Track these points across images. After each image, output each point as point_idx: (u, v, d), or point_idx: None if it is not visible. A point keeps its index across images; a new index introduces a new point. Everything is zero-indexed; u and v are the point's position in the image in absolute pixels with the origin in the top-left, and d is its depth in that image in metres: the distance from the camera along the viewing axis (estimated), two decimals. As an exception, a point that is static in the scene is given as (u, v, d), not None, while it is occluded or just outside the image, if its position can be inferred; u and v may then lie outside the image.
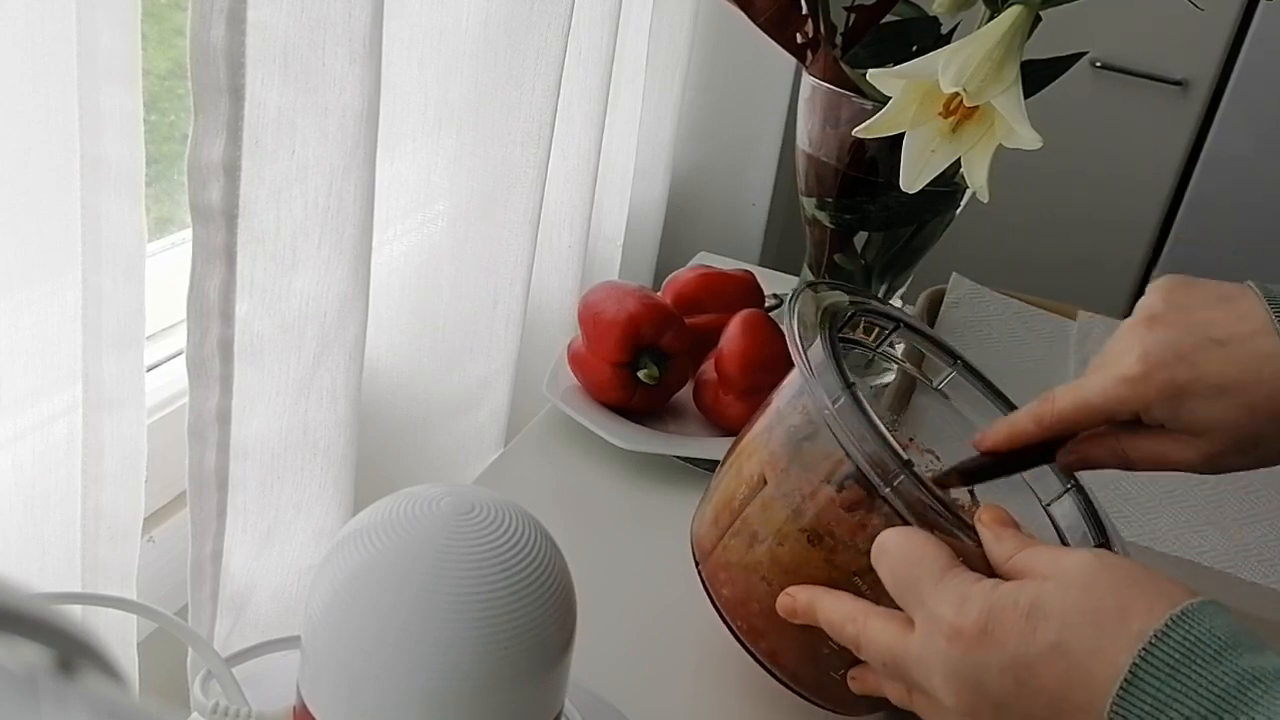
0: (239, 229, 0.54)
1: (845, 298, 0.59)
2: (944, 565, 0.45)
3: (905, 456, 0.49)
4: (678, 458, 0.77)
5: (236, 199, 0.53)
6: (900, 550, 0.47)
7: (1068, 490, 0.57)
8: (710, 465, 0.76)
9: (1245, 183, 1.69)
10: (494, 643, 0.38)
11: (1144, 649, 0.39)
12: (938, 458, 0.61)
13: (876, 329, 0.63)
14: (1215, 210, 1.72)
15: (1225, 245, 1.71)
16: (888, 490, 0.49)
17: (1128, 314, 0.54)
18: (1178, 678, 0.38)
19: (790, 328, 0.54)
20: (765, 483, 0.54)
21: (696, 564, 0.58)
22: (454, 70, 0.73)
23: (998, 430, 0.56)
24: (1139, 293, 0.55)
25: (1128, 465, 0.54)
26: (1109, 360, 0.53)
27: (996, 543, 0.46)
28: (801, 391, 0.54)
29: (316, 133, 0.55)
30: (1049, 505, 0.58)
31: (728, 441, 0.76)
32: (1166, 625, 0.39)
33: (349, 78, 0.56)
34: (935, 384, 0.63)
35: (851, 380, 0.51)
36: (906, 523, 0.48)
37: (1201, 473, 0.52)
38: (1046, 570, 0.43)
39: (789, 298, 0.56)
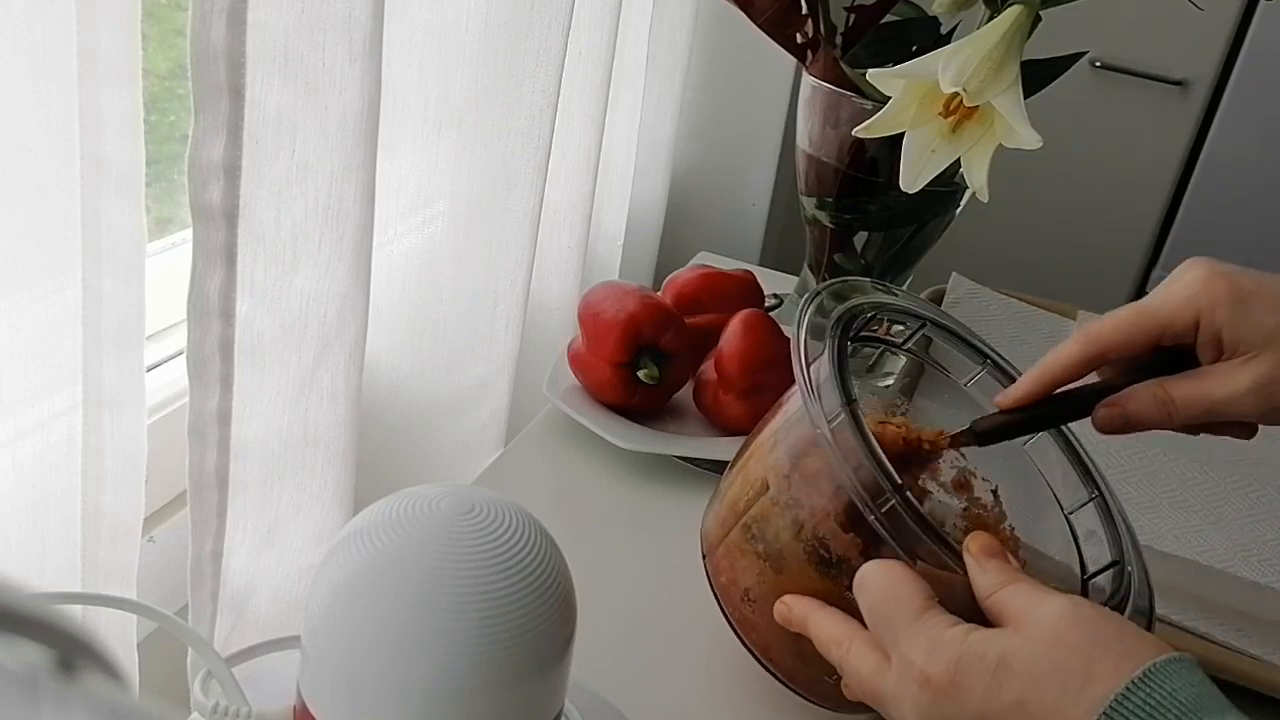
0: (239, 229, 0.54)
1: (867, 299, 0.58)
2: (919, 606, 0.45)
3: (898, 480, 0.48)
4: (678, 458, 0.77)
5: (236, 199, 0.53)
6: (878, 586, 0.47)
7: (1091, 499, 0.57)
8: (710, 465, 0.77)
9: (1245, 183, 1.69)
10: (494, 643, 0.38)
11: (1103, 714, 0.39)
12: (996, 495, 0.59)
13: (902, 326, 0.61)
14: (1215, 210, 1.72)
15: (1225, 245, 1.71)
16: (874, 515, 0.48)
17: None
18: None
19: (797, 338, 0.52)
20: (767, 488, 0.54)
21: (704, 556, 0.58)
22: (454, 70, 0.73)
23: (1025, 380, 0.53)
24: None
25: (1171, 417, 0.51)
26: (1163, 286, 0.51)
27: (982, 575, 0.46)
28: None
29: (317, 133, 0.55)
30: (1070, 513, 0.57)
31: (727, 441, 0.77)
32: (1126, 689, 0.39)
33: (349, 78, 0.56)
34: (964, 383, 0.62)
35: (854, 397, 0.50)
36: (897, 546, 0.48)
37: (1247, 415, 0.50)
38: (1021, 617, 0.43)
39: (800, 304, 0.55)
